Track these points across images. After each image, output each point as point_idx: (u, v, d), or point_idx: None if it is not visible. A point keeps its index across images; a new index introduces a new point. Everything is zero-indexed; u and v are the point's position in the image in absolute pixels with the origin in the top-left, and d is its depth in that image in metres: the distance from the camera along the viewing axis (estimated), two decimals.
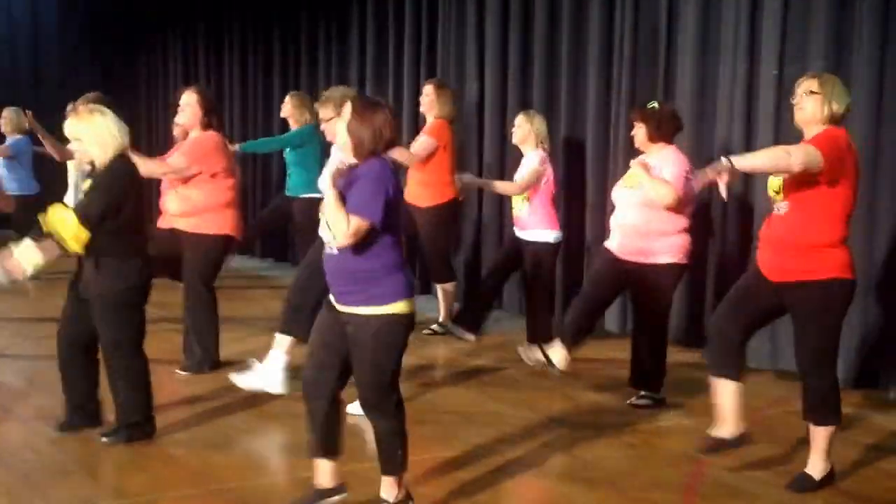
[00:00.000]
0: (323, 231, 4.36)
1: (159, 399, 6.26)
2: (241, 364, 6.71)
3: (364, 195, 4.12)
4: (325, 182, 4.24)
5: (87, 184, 5.38)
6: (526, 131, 7.57)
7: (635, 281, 6.32)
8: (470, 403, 6.47)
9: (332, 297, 4.37)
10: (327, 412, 4.39)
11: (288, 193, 9.40)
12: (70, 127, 5.36)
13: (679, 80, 7.95)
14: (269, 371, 6.23)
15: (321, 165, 9.14)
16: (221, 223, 7.03)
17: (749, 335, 5.19)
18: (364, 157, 4.25)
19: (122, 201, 5.28)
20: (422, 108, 8.43)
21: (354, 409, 6.07)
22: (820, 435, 4.98)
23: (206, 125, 7.05)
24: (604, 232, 6.85)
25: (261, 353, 7.07)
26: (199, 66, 14.58)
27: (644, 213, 6.19)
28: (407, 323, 4.29)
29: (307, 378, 4.43)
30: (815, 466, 5.01)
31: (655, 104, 6.40)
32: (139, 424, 5.54)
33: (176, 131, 10.07)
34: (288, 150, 9.39)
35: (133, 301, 5.42)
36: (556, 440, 5.70)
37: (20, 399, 6.49)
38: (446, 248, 8.55)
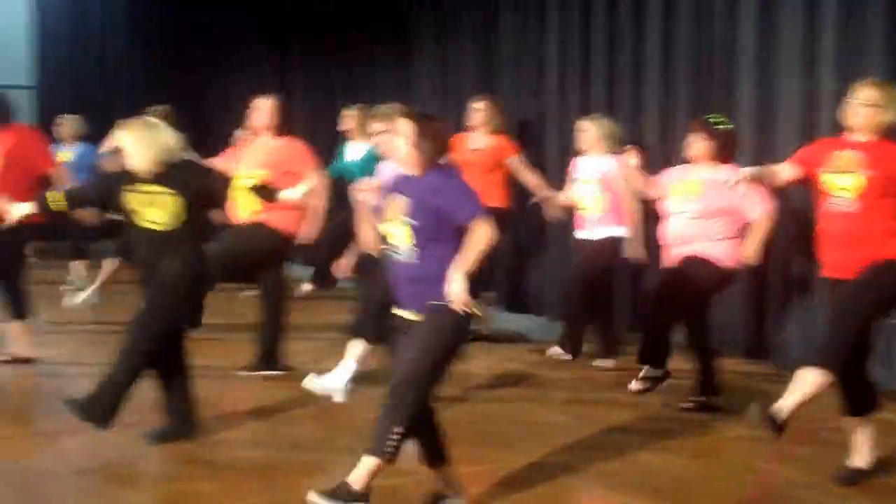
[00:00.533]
0: (387, 239, 4.42)
1: (232, 407, 6.36)
2: (308, 371, 6.77)
3: (465, 197, 4.31)
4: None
5: (154, 187, 5.46)
6: (594, 136, 7.50)
7: (677, 273, 6.31)
8: (533, 413, 6.47)
9: (397, 307, 4.42)
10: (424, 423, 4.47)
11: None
12: (117, 136, 5.59)
13: (738, 96, 7.87)
14: (337, 377, 6.25)
15: None
16: (291, 221, 7.13)
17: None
18: (427, 168, 4.37)
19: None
20: (473, 123, 8.45)
21: (312, 382, 6.27)
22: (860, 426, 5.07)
23: (279, 132, 7.13)
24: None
25: (325, 361, 7.16)
26: (265, 82, 14.65)
27: (696, 224, 6.18)
28: (464, 326, 4.35)
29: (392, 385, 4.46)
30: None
31: (724, 123, 6.37)
32: (181, 424, 5.62)
33: (235, 140, 10.22)
34: (353, 163, 9.40)
35: (179, 290, 5.51)
36: (618, 450, 5.67)
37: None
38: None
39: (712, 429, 6.11)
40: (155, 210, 5.45)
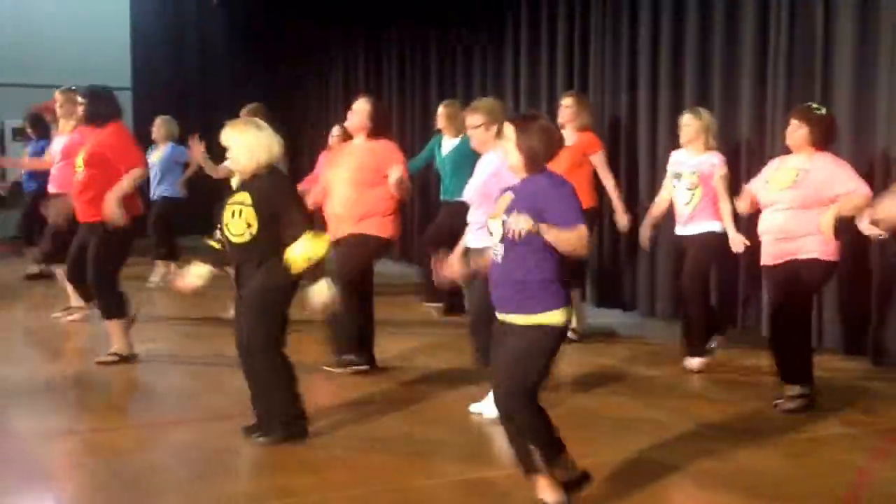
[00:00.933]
0: (488, 238, 4.44)
1: (323, 401, 6.43)
2: (395, 366, 6.88)
3: (567, 205, 4.27)
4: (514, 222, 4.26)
5: (240, 196, 5.50)
6: (696, 129, 7.31)
7: (780, 277, 6.19)
8: (627, 409, 6.42)
9: (495, 308, 4.44)
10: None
11: (446, 198, 9.42)
12: (224, 135, 5.55)
13: (836, 87, 7.71)
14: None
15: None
16: (385, 226, 7.18)
17: None
18: (535, 170, 4.38)
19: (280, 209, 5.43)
20: (560, 120, 8.42)
21: (477, 407, 6.15)
22: None
23: (372, 134, 7.17)
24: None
25: (414, 358, 7.20)
26: (359, 78, 14.80)
27: (792, 215, 6.08)
28: (560, 333, 4.35)
29: (497, 396, 4.48)
30: None
31: (823, 109, 6.25)
32: (288, 423, 5.64)
33: (331, 140, 10.32)
34: (447, 154, 9.45)
35: (277, 301, 5.53)
36: (714, 447, 5.60)
37: (192, 400, 6.71)
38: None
39: (808, 426, 6.00)
40: (235, 222, 5.46)
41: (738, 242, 7.10)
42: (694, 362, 7.30)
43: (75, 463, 5.46)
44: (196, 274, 5.76)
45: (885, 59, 7.35)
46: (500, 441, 5.70)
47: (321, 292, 5.45)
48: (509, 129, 4.42)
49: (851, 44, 7.57)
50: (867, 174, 7.28)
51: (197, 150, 8.86)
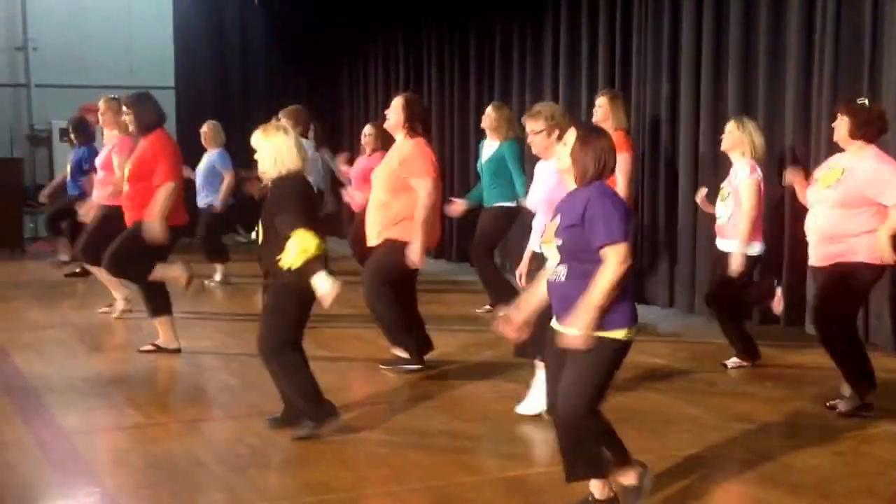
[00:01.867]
0: (546, 256, 4.37)
1: (360, 397, 6.43)
2: (436, 362, 6.90)
3: (610, 216, 4.14)
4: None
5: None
6: (736, 138, 7.08)
7: (827, 281, 6.07)
8: (668, 407, 6.35)
9: (555, 321, 4.36)
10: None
11: (486, 205, 9.25)
12: (254, 139, 5.61)
13: (885, 80, 7.55)
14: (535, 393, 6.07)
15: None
16: (432, 236, 7.13)
17: None
18: (587, 183, 4.29)
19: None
20: (595, 119, 8.33)
21: (523, 408, 6.08)
22: None
23: (411, 131, 7.08)
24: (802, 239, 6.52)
25: (453, 355, 7.16)
26: (399, 75, 14.79)
27: (837, 215, 5.94)
28: (623, 350, 4.25)
29: (552, 403, 4.44)
30: None
31: (865, 101, 6.12)
32: (314, 418, 5.64)
33: (364, 140, 10.33)
34: (485, 162, 9.35)
35: (288, 303, 5.55)
36: (759, 445, 5.53)
37: (233, 396, 6.73)
38: None
39: (853, 424, 5.90)
40: (260, 224, 5.59)
41: (736, 262, 6.88)
42: (734, 363, 7.19)
43: (119, 458, 5.49)
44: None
45: None
46: (538, 438, 5.71)
47: (320, 285, 5.35)
48: (571, 136, 4.34)
49: None
50: None
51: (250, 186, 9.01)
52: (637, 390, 6.73)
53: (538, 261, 5.62)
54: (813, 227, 6.10)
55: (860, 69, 7.75)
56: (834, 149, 6.33)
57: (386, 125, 7.31)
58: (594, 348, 4.14)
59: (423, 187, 6.91)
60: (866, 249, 5.90)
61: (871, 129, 5.99)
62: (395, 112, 7.11)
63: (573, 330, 4.14)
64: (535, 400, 5.93)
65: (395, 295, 7.07)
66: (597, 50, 10.58)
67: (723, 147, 7.23)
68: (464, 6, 13.03)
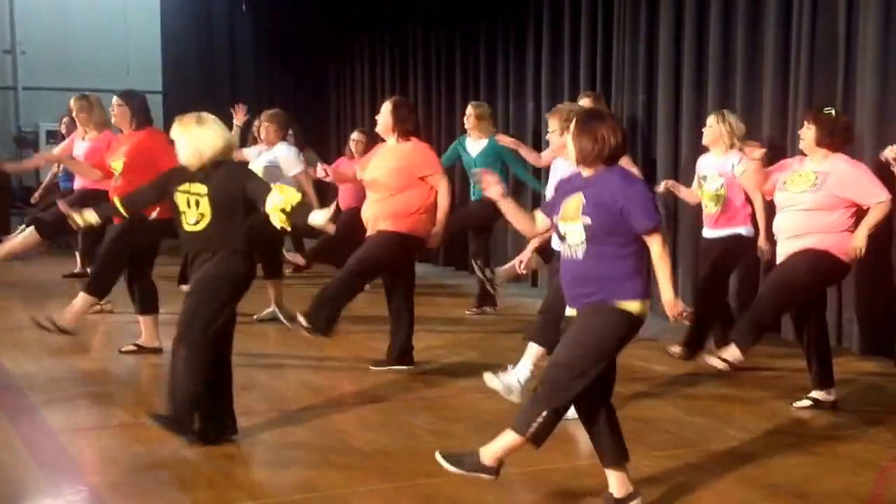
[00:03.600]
0: (563, 232, 4.39)
1: (347, 396, 6.42)
2: (423, 363, 6.88)
3: (647, 203, 4.26)
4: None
5: (196, 187, 5.41)
6: (717, 132, 7.19)
7: (785, 264, 6.12)
8: (649, 408, 6.35)
9: (568, 306, 4.39)
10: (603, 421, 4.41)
11: (475, 199, 9.43)
12: (172, 130, 5.55)
13: (859, 86, 7.61)
14: (513, 377, 6.11)
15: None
16: (416, 225, 7.14)
17: None
18: (590, 164, 4.33)
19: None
20: None
21: (490, 380, 6.10)
22: None
23: (402, 134, 7.13)
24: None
25: (439, 355, 7.15)
26: (384, 78, 14.79)
27: (812, 216, 5.98)
28: (634, 323, 4.28)
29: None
30: None
31: (832, 111, 6.17)
32: (186, 416, 5.41)
33: (352, 145, 10.34)
34: (476, 157, 9.41)
35: (224, 292, 5.39)
36: (735, 446, 5.53)
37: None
38: None
39: (830, 425, 5.93)
40: (191, 211, 5.42)
41: (764, 243, 7.01)
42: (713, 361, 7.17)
43: (106, 457, 5.44)
44: (85, 217, 5.76)
45: None
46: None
47: (317, 218, 5.18)
48: (573, 122, 4.40)
49: (874, 39, 7.44)
50: (889, 171, 7.21)
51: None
52: (617, 391, 6.68)
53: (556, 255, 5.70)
54: (784, 227, 6.14)
55: (834, 76, 7.80)
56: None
57: (377, 129, 7.33)
58: (603, 315, 4.20)
59: (442, 181, 7.14)
60: (835, 244, 5.96)
61: (836, 139, 6.07)
62: (384, 116, 7.20)
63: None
64: (512, 376, 6.02)
65: (357, 293, 7.19)
66: (578, 54, 10.61)
67: (704, 141, 7.29)
68: (449, 10, 13.02)
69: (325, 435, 5.67)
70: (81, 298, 7.55)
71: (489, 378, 6.09)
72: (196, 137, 5.43)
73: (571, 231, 4.33)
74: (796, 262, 6.04)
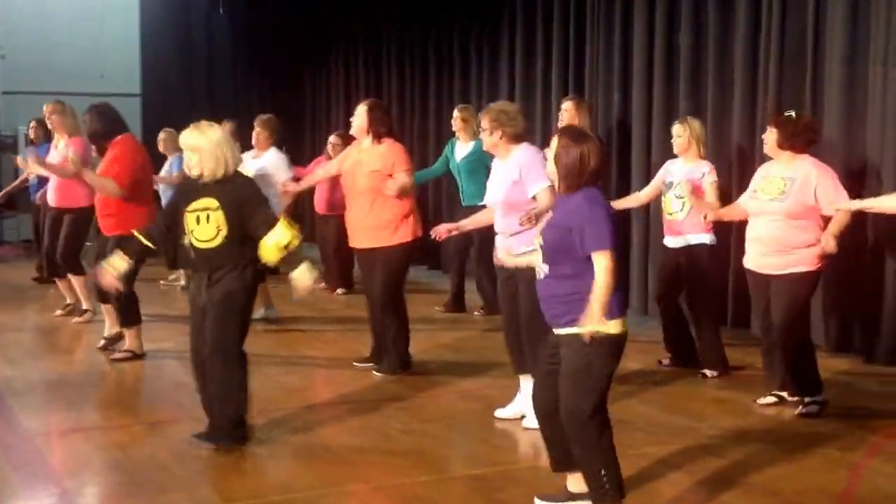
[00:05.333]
0: (534, 259, 4.29)
1: (322, 397, 6.36)
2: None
3: (599, 224, 4.07)
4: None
5: (204, 201, 5.27)
6: (686, 139, 7.03)
7: (774, 291, 6.02)
8: (622, 407, 6.25)
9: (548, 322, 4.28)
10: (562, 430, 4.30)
11: (465, 204, 9.17)
12: (187, 138, 5.33)
13: (827, 86, 7.58)
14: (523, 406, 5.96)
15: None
16: (405, 231, 7.06)
17: None
18: (572, 187, 4.19)
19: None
20: (560, 124, 8.31)
21: (503, 412, 6.00)
22: None
23: (378, 136, 7.04)
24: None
25: (415, 356, 7.10)
26: (359, 81, 14.72)
27: (784, 226, 5.92)
28: (617, 343, 4.13)
29: (539, 400, 4.37)
30: None
31: (793, 113, 6.11)
32: (237, 428, 5.44)
33: (329, 149, 10.26)
34: (461, 160, 9.32)
35: (246, 304, 5.41)
36: (708, 444, 5.48)
37: (194, 398, 6.50)
38: None
39: (801, 424, 5.88)
40: (202, 228, 5.27)
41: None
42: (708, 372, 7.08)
43: (81, 460, 5.36)
44: (115, 266, 5.52)
45: (875, 58, 7.19)
46: (499, 437, 5.64)
47: (303, 277, 5.25)
48: (556, 141, 4.26)
49: (841, 45, 7.42)
50: (858, 171, 7.20)
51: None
52: None
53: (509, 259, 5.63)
54: (758, 236, 6.07)
55: (803, 75, 7.77)
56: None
57: (352, 131, 7.23)
58: (587, 347, 4.05)
59: (407, 179, 6.97)
60: (808, 258, 5.91)
61: (798, 141, 6.00)
62: (359, 118, 7.09)
63: (566, 331, 4.11)
64: (516, 406, 5.84)
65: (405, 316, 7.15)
66: (551, 55, 10.55)
67: (675, 150, 7.16)
68: (423, 13, 12.96)
69: (300, 436, 5.59)
70: (128, 334, 7.53)
71: (502, 412, 5.94)
72: (218, 145, 5.28)
73: (537, 250, 4.27)
74: (795, 292, 5.94)
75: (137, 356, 7.50)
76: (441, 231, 6.17)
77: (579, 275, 4.09)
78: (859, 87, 7.35)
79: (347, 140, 9.90)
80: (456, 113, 9.44)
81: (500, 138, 5.78)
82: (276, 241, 5.16)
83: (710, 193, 6.86)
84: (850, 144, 7.37)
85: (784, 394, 6.21)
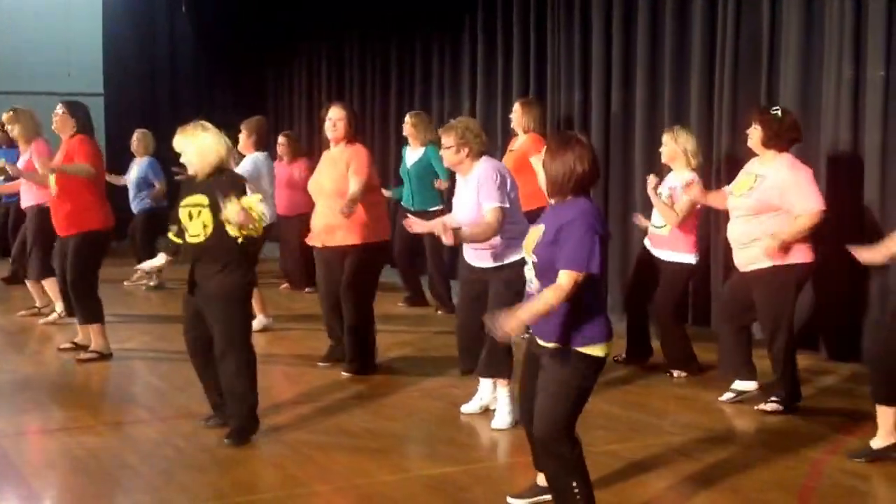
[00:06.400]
0: (526, 273, 4.18)
1: (287, 397, 6.36)
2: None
3: (581, 244, 3.88)
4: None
5: (196, 198, 5.38)
6: (672, 150, 6.93)
7: (755, 287, 6.03)
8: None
9: (531, 331, 4.17)
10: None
11: (413, 208, 9.19)
12: (176, 140, 5.47)
13: (782, 86, 7.62)
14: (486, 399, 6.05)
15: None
16: (381, 231, 7.07)
17: None
18: (560, 195, 4.04)
19: None
20: (512, 125, 8.55)
21: (468, 407, 6.01)
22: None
23: (353, 139, 7.01)
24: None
25: (377, 354, 7.15)
26: (322, 85, 14.66)
27: (750, 222, 5.94)
28: (598, 366, 4.04)
29: (522, 409, 4.36)
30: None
31: (779, 111, 6.10)
32: (250, 420, 5.52)
33: (279, 149, 10.26)
34: (412, 166, 9.34)
35: (245, 299, 5.49)
36: (671, 440, 5.49)
37: (160, 398, 6.55)
38: None
39: (763, 419, 5.90)
40: (193, 223, 5.39)
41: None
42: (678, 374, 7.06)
43: (46, 461, 5.31)
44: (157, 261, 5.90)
45: (830, 57, 7.24)
46: (462, 436, 5.64)
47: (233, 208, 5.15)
48: (545, 149, 4.16)
49: (796, 45, 7.46)
50: (813, 171, 7.23)
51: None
52: None
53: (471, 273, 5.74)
54: (730, 234, 6.12)
55: (758, 77, 7.80)
56: (734, 152, 6.31)
57: (331, 135, 7.04)
58: (570, 364, 3.97)
59: (356, 183, 6.82)
60: (790, 251, 5.88)
61: (782, 140, 5.98)
62: (343, 122, 6.96)
63: (550, 344, 4.01)
64: (505, 414, 5.79)
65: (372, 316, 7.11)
66: (511, 59, 10.54)
67: (663, 160, 7.08)
68: (385, 19, 12.91)
69: (264, 436, 5.55)
70: (92, 332, 7.46)
71: (496, 423, 5.83)
72: (201, 143, 5.41)
73: (528, 265, 4.12)
74: (770, 285, 5.94)
75: (104, 356, 7.43)
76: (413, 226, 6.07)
77: (578, 292, 3.93)
78: (814, 88, 7.39)
79: (294, 140, 10.06)
80: (407, 118, 9.50)
81: (467, 156, 5.77)
82: (233, 209, 5.11)
83: (681, 200, 6.73)
84: (804, 145, 7.39)
85: (743, 387, 6.21)
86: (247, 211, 5.12)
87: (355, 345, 6.98)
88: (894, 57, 6.81)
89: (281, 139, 10.54)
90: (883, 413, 5.14)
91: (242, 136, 8.75)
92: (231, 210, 5.08)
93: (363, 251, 6.90)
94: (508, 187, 5.70)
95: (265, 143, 8.95)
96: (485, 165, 5.76)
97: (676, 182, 6.85)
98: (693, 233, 6.88)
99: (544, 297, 3.90)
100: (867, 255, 5.05)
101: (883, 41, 6.84)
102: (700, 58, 8.33)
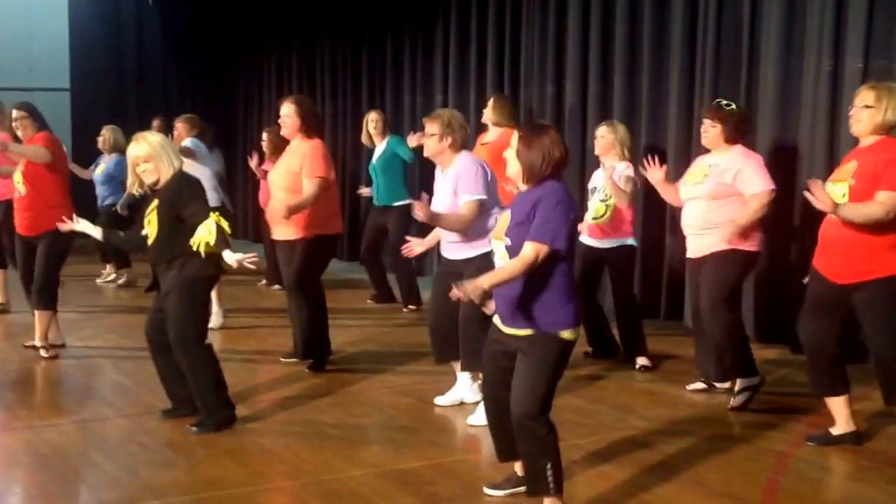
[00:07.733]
0: (495, 251, 4.27)
1: (254, 393, 6.35)
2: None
3: (548, 219, 4.01)
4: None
5: (153, 203, 5.54)
6: (610, 141, 7.10)
7: (706, 270, 6.05)
8: None
9: (497, 321, 4.27)
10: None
11: (378, 203, 9.49)
12: (129, 149, 5.61)
13: (762, 78, 7.69)
14: (462, 393, 6.10)
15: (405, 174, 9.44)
16: (335, 225, 7.11)
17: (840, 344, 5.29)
18: (536, 181, 4.14)
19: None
20: (483, 119, 8.68)
21: (442, 400, 6.02)
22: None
23: (308, 133, 6.95)
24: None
25: (343, 349, 7.05)
26: (292, 82, 14.59)
27: (705, 207, 6.00)
28: (569, 349, 4.16)
29: (488, 399, 4.41)
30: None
31: (733, 105, 6.16)
32: (218, 413, 5.62)
33: (265, 146, 10.21)
34: (376, 161, 9.39)
35: (197, 294, 5.59)
36: (637, 434, 5.56)
37: (125, 395, 6.54)
38: None
39: (727, 414, 5.96)
40: (149, 226, 5.58)
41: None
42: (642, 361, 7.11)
43: (11, 459, 5.30)
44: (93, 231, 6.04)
45: (810, 50, 7.30)
46: (429, 431, 5.64)
47: (230, 257, 5.36)
48: (515, 138, 4.22)
49: (776, 37, 7.52)
50: (791, 162, 7.34)
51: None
52: None
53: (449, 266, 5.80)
54: (685, 221, 6.17)
55: (738, 72, 7.88)
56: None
57: (283, 132, 7.09)
58: (547, 347, 4.07)
59: (311, 185, 6.78)
60: (741, 238, 5.95)
61: (739, 133, 6.10)
62: (290, 119, 6.93)
63: (522, 332, 4.11)
64: (456, 393, 5.94)
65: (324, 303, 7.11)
66: (485, 54, 10.59)
67: (597, 152, 7.24)
68: (357, 14, 12.88)
69: (232, 432, 5.58)
70: (40, 317, 7.41)
71: (474, 419, 5.79)
72: (163, 146, 5.57)
73: (498, 250, 4.22)
74: (719, 263, 5.98)
75: (58, 346, 7.49)
76: (413, 249, 6.14)
77: (549, 278, 4.07)
78: (793, 80, 7.48)
79: (277, 136, 9.94)
80: (373, 115, 9.76)
81: (449, 146, 5.81)
82: (198, 238, 5.37)
83: (623, 183, 6.92)
84: (783, 136, 7.48)
85: (747, 383, 6.17)
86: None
87: (306, 340, 6.98)
88: (874, 49, 6.87)
89: (265, 136, 10.49)
90: (833, 404, 5.32)
91: (178, 132, 8.97)
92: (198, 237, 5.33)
93: (308, 245, 6.87)
94: (489, 179, 5.78)
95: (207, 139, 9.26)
96: (464, 160, 5.84)
97: (622, 169, 7.01)
98: (631, 217, 7.09)
99: (508, 266, 4.05)
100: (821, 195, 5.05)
101: (863, 35, 6.92)
102: (680, 50, 8.39)
